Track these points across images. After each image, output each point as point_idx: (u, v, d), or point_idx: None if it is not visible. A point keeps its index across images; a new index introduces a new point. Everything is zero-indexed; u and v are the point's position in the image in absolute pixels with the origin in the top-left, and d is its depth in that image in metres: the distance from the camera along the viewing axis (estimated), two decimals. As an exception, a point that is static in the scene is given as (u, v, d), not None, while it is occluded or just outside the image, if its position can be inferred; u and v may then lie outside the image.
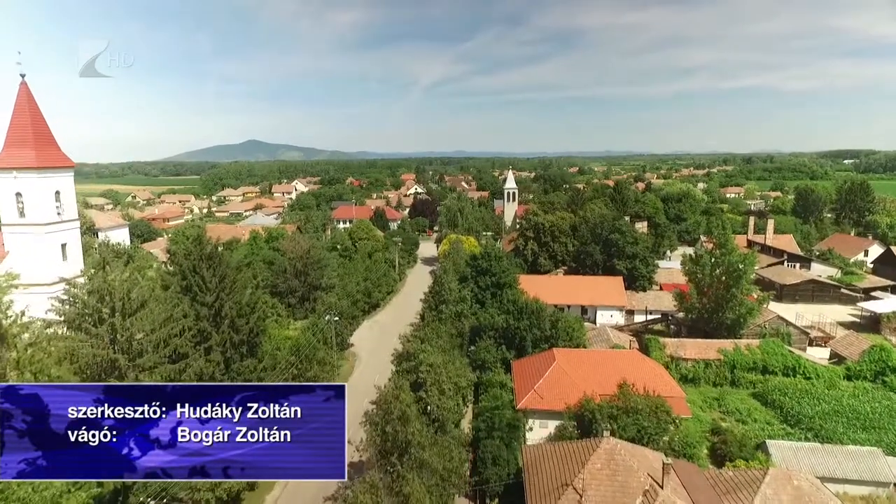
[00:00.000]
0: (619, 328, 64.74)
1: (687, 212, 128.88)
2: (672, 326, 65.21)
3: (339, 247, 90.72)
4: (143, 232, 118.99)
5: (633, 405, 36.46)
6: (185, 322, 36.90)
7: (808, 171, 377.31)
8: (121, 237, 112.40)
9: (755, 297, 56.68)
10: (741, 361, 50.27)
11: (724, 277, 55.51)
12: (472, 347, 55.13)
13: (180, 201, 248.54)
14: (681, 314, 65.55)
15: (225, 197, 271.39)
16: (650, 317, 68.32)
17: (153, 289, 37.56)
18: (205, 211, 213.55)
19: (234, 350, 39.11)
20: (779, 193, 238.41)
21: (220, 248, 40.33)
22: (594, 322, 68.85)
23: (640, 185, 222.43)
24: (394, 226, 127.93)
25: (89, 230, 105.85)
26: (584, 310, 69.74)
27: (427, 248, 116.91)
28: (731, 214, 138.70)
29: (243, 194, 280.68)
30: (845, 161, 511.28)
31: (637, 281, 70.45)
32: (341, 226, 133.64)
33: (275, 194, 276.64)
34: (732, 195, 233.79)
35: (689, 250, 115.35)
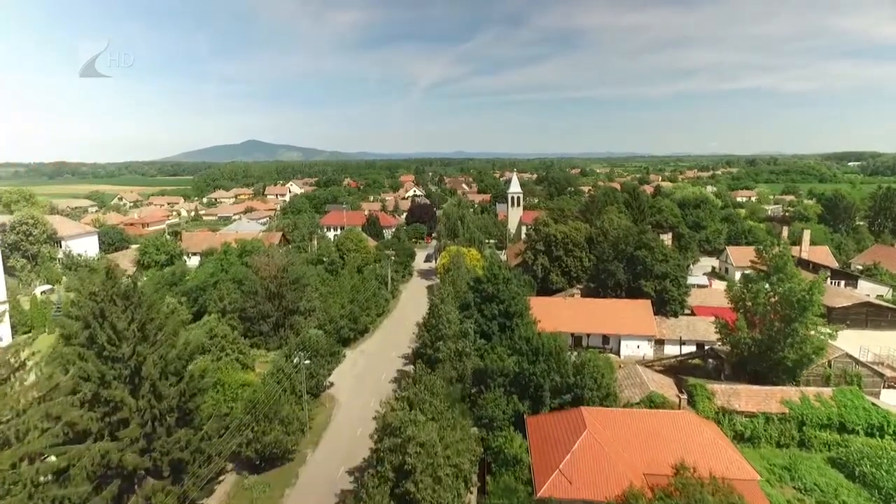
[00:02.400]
0: (649, 363, 54.76)
1: (706, 219, 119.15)
2: (711, 361, 55.20)
3: (325, 259, 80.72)
4: (114, 240, 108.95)
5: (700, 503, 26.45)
6: (87, 388, 26.95)
7: (816, 174, 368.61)
8: (87, 246, 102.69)
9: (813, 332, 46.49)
10: (812, 416, 40.32)
11: (782, 308, 45.57)
12: (475, 390, 45.63)
13: (169, 203, 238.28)
14: (719, 343, 55.71)
15: (216, 199, 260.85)
16: (684, 348, 58.39)
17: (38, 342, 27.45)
18: (192, 214, 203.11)
19: (158, 422, 29.03)
20: (793, 197, 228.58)
21: (138, 284, 30.27)
22: (618, 353, 58.95)
23: (649, 189, 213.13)
24: (388, 234, 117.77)
25: (50, 239, 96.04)
26: (605, 339, 59.86)
27: (424, 259, 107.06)
28: (752, 221, 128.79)
29: (235, 196, 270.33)
30: (850, 163, 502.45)
31: (667, 305, 60.50)
32: (331, 233, 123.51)
33: (268, 196, 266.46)
34: (743, 199, 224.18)
35: (713, 262, 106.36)
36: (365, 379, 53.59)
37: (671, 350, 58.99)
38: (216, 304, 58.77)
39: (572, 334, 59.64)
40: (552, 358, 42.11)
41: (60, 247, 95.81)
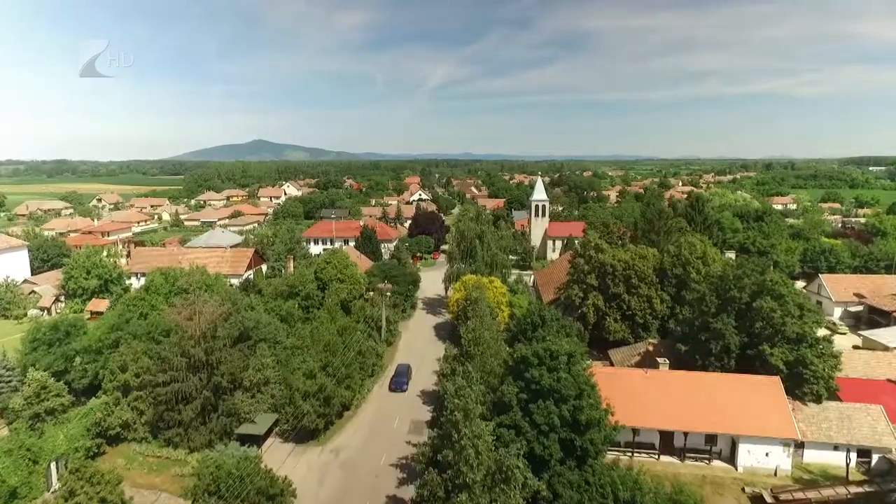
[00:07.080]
0: (799, 497, 33.66)
1: (774, 235, 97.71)
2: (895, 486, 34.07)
3: (299, 292, 60.08)
4: (50, 255, 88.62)
5: None
6: None
7: (846, 179, 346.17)
8: (13, 264, 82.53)
9: None
10: None
11: None
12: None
13: (152, 206, 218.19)
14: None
15: (205, 201, 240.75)
16: (831, 454, 37.24)
17: None
18: (173, 219, 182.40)
19: None
20: (839, 205, 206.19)
21: None
22: (732, 463, 38.01)
23: (675, 194, 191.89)
24: (387, 251, 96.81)
25: (-44, 257, 76.07)
26: (709, 437, 38.91)
27: (431, 281, 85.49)
28: (826, 239, 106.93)
29: (227, 198, 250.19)
30: (871, 168, 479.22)
31: (804, 384, 39.34)
32: (318, 248, 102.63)
33: (261, 198, 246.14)
34: (779, 206, 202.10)
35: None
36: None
37: (814, 457, 37.95)
38: (113, 378, 38.20)
39: (660, 432, 38.90)
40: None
41: (-28, 266, 75.75)
